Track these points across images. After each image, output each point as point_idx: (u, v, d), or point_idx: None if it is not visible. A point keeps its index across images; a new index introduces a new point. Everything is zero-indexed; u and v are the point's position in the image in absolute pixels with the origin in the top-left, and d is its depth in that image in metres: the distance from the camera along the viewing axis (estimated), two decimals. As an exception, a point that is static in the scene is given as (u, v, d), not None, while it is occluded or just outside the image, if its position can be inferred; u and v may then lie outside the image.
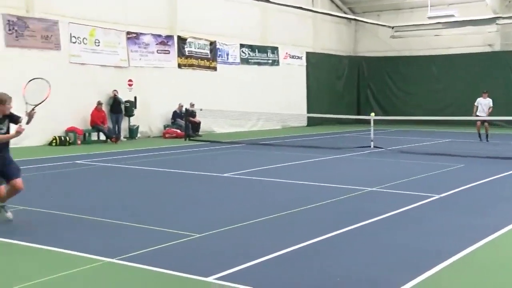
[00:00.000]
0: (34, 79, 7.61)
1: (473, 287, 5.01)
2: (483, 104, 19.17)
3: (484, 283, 5.13)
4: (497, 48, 28.12)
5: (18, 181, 7.00)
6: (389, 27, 29.53)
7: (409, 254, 5.92)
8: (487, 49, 28.33)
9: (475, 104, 19.40)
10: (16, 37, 17.28)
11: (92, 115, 18.79)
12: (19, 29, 17.33)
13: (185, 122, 20.50)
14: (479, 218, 7.72)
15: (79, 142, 18.13)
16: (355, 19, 30.32)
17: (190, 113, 21.00)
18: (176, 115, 21.35)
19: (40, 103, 7.15)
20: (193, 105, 21.43)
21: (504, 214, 7.97)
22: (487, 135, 19.14)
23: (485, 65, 27.81)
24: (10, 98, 6.96)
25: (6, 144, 7.05)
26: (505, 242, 6.51)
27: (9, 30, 17.10)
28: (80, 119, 18.79)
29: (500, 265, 5.64)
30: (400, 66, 30.24)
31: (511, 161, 13.84)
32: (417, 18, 28.90)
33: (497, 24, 27.12)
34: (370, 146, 16.61)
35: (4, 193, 7.10)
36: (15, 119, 7.02)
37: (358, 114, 29.68)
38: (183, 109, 21.12)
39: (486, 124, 19.19)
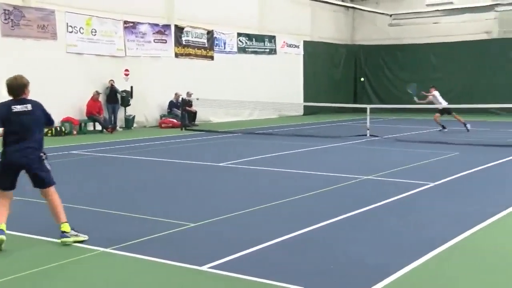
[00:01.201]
0: None
1: (466, 273, 5.05)
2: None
3: (477, 268, 5.18)
4: (495, 35, 28.08)
5: None
6: (387, 15, 29.45)
7: (403, 241, 5.96)
8: (485, 36, 28.28)
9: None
10: (12, 26, 17.21)
11: (88, 105, 18.76)
12: (15, 18, 17.26)
13: (181, 112, 20.48)
14: (474, 204, 7.76)
15: (74, 132, 18.12)
16: (353, 7, 30.24)
17: (187, 102, 20.98)
18: (172, 104, 21.34)
19: None
20: (190, 94, 21.41)
21: (499, 200, 8.01)
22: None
23: (483, 53, 27.76)
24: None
25: None
26: (499, 229, 6.57)
27: (5, 19, 17.03)
28: (76, 109, 18.77)
29: (494, 251, 5.69)
30: (398, 54, 30.19)
31: (506, 149, 13.88)
32: (415, 6, 28.79)
33: (495, 11, 27.07)
34: (366, 135, 16.66)
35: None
36: None
37: (355, 102, 29.70)
38: (180, 98, 21.10)
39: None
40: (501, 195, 8.49)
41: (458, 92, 27.45)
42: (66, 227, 5.92)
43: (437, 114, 18.74)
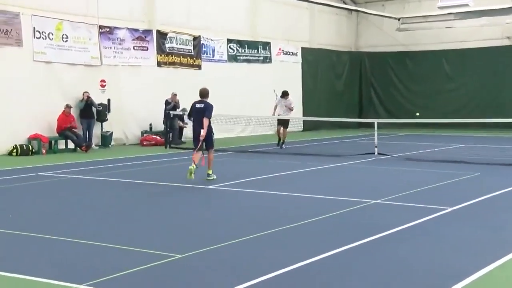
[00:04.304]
0: None
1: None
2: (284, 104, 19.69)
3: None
4: (516, 41, 28.30)
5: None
6: (395, 18, 29.66)
7: (420, 275, 5.93)
8: (506, 42, 28.48)
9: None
10: (-29, 32, 17.18)
11: (59, 120, 18.69)
12: (-26, 23, 17.25)
13: (165, 128, 20.40)
14: (497, 233, 7.75)
15: (44, 151, 18.03)
16: (356, 10, 30.45)
17: (180, 117, 20.92)
18: (167, 104, 21.05)
19: None
20: (184, 109, 21.06)
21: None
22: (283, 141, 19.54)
23: (503, 60, 27.92)
24: None
25: None
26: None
27: (-38, 24, 17.00)
28: (45, 125, 18.67)
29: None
30: (407, 62, 30.42)
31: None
32: (426, 9, 29.01)
33: (517, 14, 27.24)
34: (374, 153, 16.71)
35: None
36: None
37: (360, 117, 29.78)
38: (177, 100, 21.03)
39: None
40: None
41: (475, 105, 27.61)
42: None
43: None
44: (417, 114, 24.67)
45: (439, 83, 29.45)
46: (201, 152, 12.31)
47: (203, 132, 12.11)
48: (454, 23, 28.48)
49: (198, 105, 12.37)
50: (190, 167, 11.79)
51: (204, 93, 12.54)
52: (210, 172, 12.36)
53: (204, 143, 12.27)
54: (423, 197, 10.21)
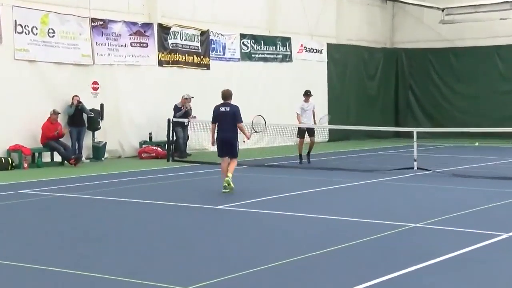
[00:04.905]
0: None
1: None
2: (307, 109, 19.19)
3: None
4: None
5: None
6: (438, 9, 29.56)
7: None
8: None
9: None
10: None
11: (43, 128, 18.76)
12: None
13: (168, 139, 20.36)
14: None
15: (25, 165, 18.11)
16: (393, 0, 30.42)
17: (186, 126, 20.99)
18: (176, 109, 20.98)
19: None
20: (194, 117, 21.15)
21: None
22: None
23: None
24: None
25: None
26: None
27: None
28: (28, 135, 18.77)
29: None
30: (453, 60, 30.31)
31: None
32: (475, -3, 29.00)
33: None
34: (413, 168, 16.71)
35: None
36: None
37: (397, 125, 29.68)
38: (188, 106, 20.91)
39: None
40: None
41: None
42: None
43: None
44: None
45: (491, 84, 29.24)
46: (227, 158, 13.29)
47: (246, 134, 13.67)
48: (510, 13, 28.30)
49: (223, 109, 13.40)
50: (226, 178, 12.86)
51: (227, 95, 13.60)
52: (231, 176, 13.08)
53: (226, 151, 13.35)
54: (472, 221, 10.18)
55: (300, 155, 19.14)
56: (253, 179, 15.75)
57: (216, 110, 13.57)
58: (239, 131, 13.56)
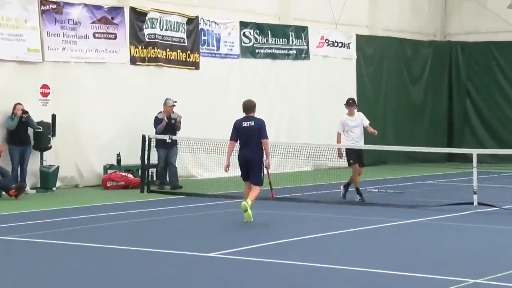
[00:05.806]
0: None
1: None
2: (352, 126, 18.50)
3: None
4: None
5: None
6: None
7: None
8: None
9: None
10: None
11: (-24, 148, 18.79)
12: None
13: (142, 162, 20.13)
14: None
15: (-51, 196, 18.26)
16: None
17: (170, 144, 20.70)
18: (157, 122, 20.73)
19: None
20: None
21: None
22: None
23: None
24: None
25: None
26: None
27: None
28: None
29: None
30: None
31: None
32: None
33: None
34: (472, 203, 16.71)
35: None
36: None
37: (450, 144, 29.64)
38: (176, 114, 20.79)
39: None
40: None
41: None
42: None
43: None
44: None
45: None
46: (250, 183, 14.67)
47: (266, 160, 14.67)
48: None
49: (245, 123, 14.63)
50: (243, 202, 14.14)
51: (250, 107, 14.73)
52: (250, 202, 14.26)
53: (251, 174, 14.65)
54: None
55: (357, 189, 18.07)
56: (260, 216, 15.21)
57: (238, 125, 14.76)
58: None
